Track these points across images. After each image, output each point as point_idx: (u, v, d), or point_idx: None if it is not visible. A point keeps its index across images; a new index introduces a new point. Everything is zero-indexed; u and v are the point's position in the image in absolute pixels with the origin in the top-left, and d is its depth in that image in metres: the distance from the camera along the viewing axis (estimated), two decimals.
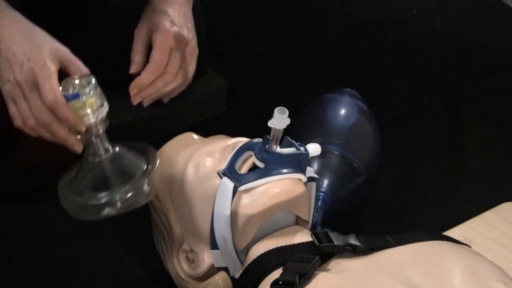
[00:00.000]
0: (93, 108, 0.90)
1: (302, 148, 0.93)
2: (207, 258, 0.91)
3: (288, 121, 0.88)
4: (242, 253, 0.89)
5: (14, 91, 0.91)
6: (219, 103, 1.31)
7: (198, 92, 1.26)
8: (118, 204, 0.87)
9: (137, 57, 1.07)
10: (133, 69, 1.07)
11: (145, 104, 1.06)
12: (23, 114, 0.91)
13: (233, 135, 1.00)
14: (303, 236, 0.89)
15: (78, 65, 0.92)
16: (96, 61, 1.16)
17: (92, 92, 0.90)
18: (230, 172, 0.89)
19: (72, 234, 1.09)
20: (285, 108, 0.89)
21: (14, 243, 1.08)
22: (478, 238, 1.08)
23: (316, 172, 0.98)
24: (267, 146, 0.90)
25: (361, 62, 1.50)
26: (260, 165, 0.90)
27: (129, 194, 0.87)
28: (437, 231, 1.00)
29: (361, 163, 1.10)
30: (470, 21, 1.64)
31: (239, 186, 0.87)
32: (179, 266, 0.94)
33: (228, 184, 0.88)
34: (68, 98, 0.89)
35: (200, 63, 1.25)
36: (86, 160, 0.93)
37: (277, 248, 0.86)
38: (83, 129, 0.90)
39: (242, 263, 0.89)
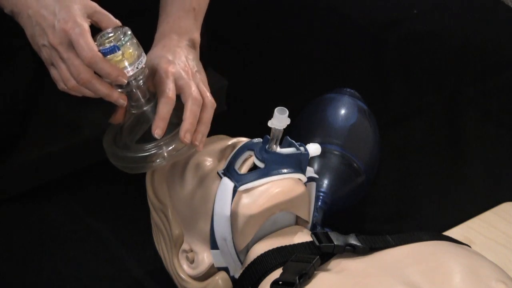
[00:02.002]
0: (131, 59, 0.88)
1: (302, 148, 0.93)
2: (207, 258, 0.91)
3: (288, 121, 0.88)
4: (242, 253, 0.89)
5: (51, 55, 0.88)
6: (219, 103, 1.31)
7: None
8: (166, 154, 0.88)
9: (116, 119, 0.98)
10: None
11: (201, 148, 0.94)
12: (63, 77, 0.89)
13: (233, 135, 1.00)
14: (303, 236, 0.89)
15: (109, 18, 0.90)
16: None
17: (129, 43, 0.88)
18: (230, 172, 0.89)
19: (72, 234, 1.09)
20: (285, 108, 0.89)
21: (14, 243, 1.08)
22: (478, 238, 1.08)
23: (316, 172, 0.98)
24: (267, 146, 0.90)
25: (361, 62, 1.50)
26: (260, 165, 0.90)
27: (175, 144, 0.88)
28: (437, 231, 1.00)
29: (361, 163, 1.10)
30: (470, 21, 1.63)
31: (239, 186, 0.87)
32: (179, 266, 0.94)
33: (228, 184, 0.88)
34: (105, 52, 0.87)
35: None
36: (129, 112, 0.92)
37: (277, 248, 0.86)
38: (125, 81, 0.88)
39: (242, 263, 0.89)
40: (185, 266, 0.93)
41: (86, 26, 0.87)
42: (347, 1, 1.67)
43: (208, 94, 0.95)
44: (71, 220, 1.11)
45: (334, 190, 1.07)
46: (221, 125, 1.19)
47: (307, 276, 0.78)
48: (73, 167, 1.16)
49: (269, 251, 0.85)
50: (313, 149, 0.94)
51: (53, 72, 0.91)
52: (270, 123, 0.89)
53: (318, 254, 0.81)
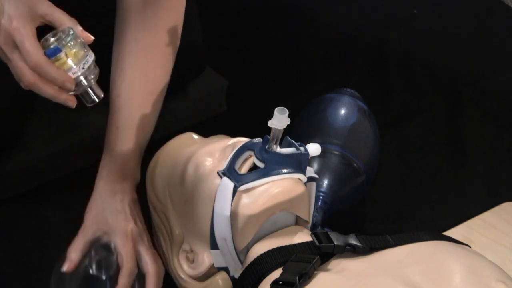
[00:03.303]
0: (76, 59, 0.86)
1: (302, 148, 0.93)
2: (207, 258, 0.91)
3: (288, 121, 0.88)
4: (242, 253, 0.89)
5: (1, 53, 0.87)
6: (219, 103, 1.31)
7: (198, 92, 1.26)
8: None
9: (73, 255, 0.98)
10: (65, 268, 0.97)
11: None
12: (16, 77, 0.88)
13: (233, 135, 1.00)
14: (303, 236, 0.89)
15: (63, 18, 0.87)
16: (97, 61, 1.16)
17: (72, 42, 0.86)
18: (230, 172, 0.89)
19: (72, 234, 1.09)
20: (285, 108, 0.89)
21: (14, 243, 1.08)
22: (478, 238, 1.08)
23: (316, 172, 0.98)
24: (267, 146, 0.90)
25: (361, 62, 1.50)
26: (260, 165, 0.90)
27: None
28: (437, 231, 1.00)
29: (361, 163, 1.10)
30: (470, 21, 1.63)
31: (239, 186, 0.87)
32: (179, 266, 0.94)
33: (228, 184, 0.88)
34: (48, 55, 0.85)
35: (198, 62, 1.25)
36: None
37: (277, 248, 0.86)
38: (73, 86, 0.87)
39: (242, 263, 0.89)
40: (185, 266, 0.93)
41: (30, 28, 0.85)
42: (347, 1, 1.67)
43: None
44: (71, 220, 1.10)
45: (334, 190, 1.07)
46: (221, 125, 1.20)
47: (307, 276, 0.78)
48: (73, 167, 1.16)
49: (269, 251, 0.85)
50: (313, 149, 0.94)
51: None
52: (270, 123, 0.89)
53: (318, 254, 0.81)
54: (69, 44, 0.86)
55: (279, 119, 0.88)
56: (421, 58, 1.51)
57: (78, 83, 0.88)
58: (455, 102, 1.40)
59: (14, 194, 1.12)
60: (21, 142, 1.12)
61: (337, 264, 0.81)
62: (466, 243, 0.88)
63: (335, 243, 0.82)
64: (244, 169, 0.91)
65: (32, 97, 1.13)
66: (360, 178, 1.10)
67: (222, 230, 0.88)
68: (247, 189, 0.88)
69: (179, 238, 0.94)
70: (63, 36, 0.86)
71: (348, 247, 0.82)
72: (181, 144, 1.01)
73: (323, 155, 1.02)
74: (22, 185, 1.13)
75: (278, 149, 0.90)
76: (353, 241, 0.83)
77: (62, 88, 0.87)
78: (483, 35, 1.59)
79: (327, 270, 0.81)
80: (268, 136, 0.90)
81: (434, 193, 1.22)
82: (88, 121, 1.16)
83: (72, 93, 0.89)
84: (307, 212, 0.93)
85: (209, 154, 0.94)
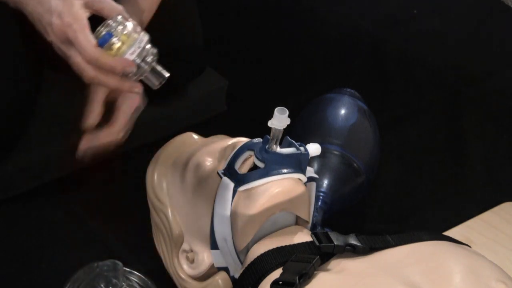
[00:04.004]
0: (129, 42, 0.86)
1: (302, 148, 0.93)
2: (207, 258, 0.91)
3: (288, 121, 0.88)
4: (242, 253, 0.89)
5: (59, 51, 0.86)
6: (219, 103, 1.31)
7: (198, 92, 1.26)
8: None
9: (92, 119, 0.98)
10: (86, 127, 0.98)
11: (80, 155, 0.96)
12: (76, 71, 0.87)
13: (233, 135, 1.00)
14: (303, 236, 0.89)
15: (110, 5, 0.86)
16: None
17: (121, 27, 0.85)
18: (230, 172, 0.89)
19: (72, 234, 1.09)
20: (285, 108, 0.89)
21: (14, 243, 1.08)
22: (478, 238, 1.08)
23: (316, 172, 0.98)
24: (267, 146, 0.90)
25: (361, 62, 1.50)
26: (260, 165, 0.90)
27: None
28: (437, 231, 1.00)
29: (361, 163, 1.10)
30: (470, 21, 1.63)
31: (239, 186, 0.87)
32: (179, 266, 0.94)
33: (228, 184, 0.88)
34: (100, 44, 0.85)
35: (198, 62, 1.25)
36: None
37: (277, 248, 0.86)
38: (134, 68, 0.86)
39: (242, 263, 0.89)
40: (185, 266, 0.93)
41: (82, 20, 0.84)
42: (347, 1, 1.67)
43: None
44: (71, 220, 1.11)
45: (334, 190, 1.07)
46: (221, 125, 1.20)
47: (307, 276, 0.78)
48: (73, 167, 1.16)
49: (269, 251, 0.85)
50: (313, 149, 0.94)
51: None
52: (270, 123, 0.89)
53: (318, 254, 0.81)
54: (118, 29, 0.86)
55: (279, 119, 0.88)
56: (421, 58, 1.51)
57: (138, 66, 0.87)
58: (455, 102, 1.40)
59: (14, 194, 1.12)
60: (21, 142, 1.11)
61: (337, 264, 0.81)
62: (466, 243, 0.88)
63: (335, 243, 0.82)
64: (244, 169, 0.91)
65: (32, 97, 1.14)
66: (360, 178, 1.10)
67: (222, 230, 0.88)
68: (247, 189, 0.88)
69: (179, 238, 0.94)
70: (112, 23, 0.86)
71: (348, 247, 0.82)
72: (181, 144, 1.01)
73: (323, 155, 1.02)
74: (22, 185, 1.13)
75: (278, 149, 0.91)
76: (353, 241, 0.83)
77: (124, 74, 0.85)
78: (483, 35, 1.59)
79: (327, 270, 0.81)
80: (268, 136, 0.90)
81: (434, 193, 1.22)
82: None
83: (134, 78, 0.88)
84: (307, 212, 0.93)
85: (209, 154, 0.94)
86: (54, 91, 1.18)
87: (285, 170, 0.89)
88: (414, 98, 1.42)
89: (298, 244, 0.86)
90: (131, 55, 0.86)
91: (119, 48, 0.85)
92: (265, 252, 0.86)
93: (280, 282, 0.77)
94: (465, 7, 1.67)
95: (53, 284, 0.96)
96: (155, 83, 0.90)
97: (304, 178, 0.92)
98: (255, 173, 0.89)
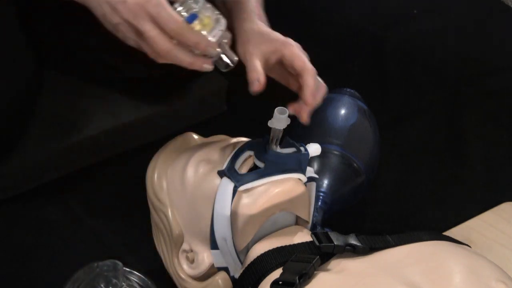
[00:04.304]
0: (211, 24, 0.85)
1: (302, 148, 0.93)
2: (207, 258, 0.91)
3: (288, 121, 0.88)
4: (242, 253, 0.89)
5: (128, 31, 0.86)
6: (219, 103, 1.31)
7: (198, 92, 1.26)
8: None
9: (262, 78, 0.97)
10: (256, 87, 0.96)
11: (308, 120, 0.95)
12: (147, 52, 0.86)
13: (233, 135, 1.00)
14: (303, 236, 0.89)
15: None
16: (96, 62, 1.16)
17: (204, 8, 0.85)
18: (230, 172, 0.89)
19: (72, 234, 1.09)
20: (285, 108, 0.89)
21: (14, 243, 1.08)
22: (478, 238, 1.08)
23: (316, 172, 0.98)
24: (267, 146, 0.90)
25: (361, 62, 1.49)
26: (260, 165, 0.90)
27: None
28: (437, 231, 1.00)
29: (361, 163, 1.10)
30: (470, 20, 1.63)
31: (239, 186, 0.87)
32: (179, 266, 0.94)
33: (228, 184, 0.88)
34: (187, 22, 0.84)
35: None
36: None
37: (277, 248, 0.86)
38: (215, 50, 0.86)
39: (242, 263, 0.89)
40: (185, 266, 0.93)
41: None
42: (347, 1, 1.67)
43: None
44: (71, 220, 1.10)
45: (334, 190, 1.07)
46: (221, 125, 1.20)
47: (307, 276, 0.78)
48: (73, 167, 1.16)
49: (269, 251, 0.86)
50: (313, 149, 0.94)
51: (136, 46, 0.88)
52: (270, 123, 0.89)
53: (318, 254, 0.81)
54: (203, 10, 0.85)
55: (279, 119, 0.88)
56: (421, 58, 1.51)
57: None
58: (455, 102, 1.40)
59: (14, 194, 1.12)
60: (21, 142, 1.11)
61: (337, 264, 0.81)
62: (466, 243, 0.88)
63: (335, 243, 0.82)
64: (244, 169, 0.91)
65: (32, 97, 1.14)
66: (360, 178, 1.10)
67: (222, 230, 0.88)
68: (247, 189, 0.88)
69: (179, 238, 0.94)
70: (193, 4, 0.85)
71: (348, 247, 0.82)
72: (181, 144, 1.01)
73: (323, 155, 1.02)
74: (22, 185, 1.13)
75: (278, 149, 0.91)
76: (353, 241, 0.83)
77: (204, 52, 0.86)
78: (483, 35, 1.59)
79: (327, 270, 0.81)
80: (268, 136, 0.90)
81: (434, 193, 1.22)
82: (88, 121, 1.16)
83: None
84: (307, 212, 0.93)
85: (209, 154, 0.94)
86: (54, 91, 1.18)
87: (285, 170, 0.89)
88: (414, 98, 1.41)
89: (298, 244, 0.86)
90: (213, 37, 0.86)
91: (201, 29, 0.85)
92: (265, 252, 0.86)
93: (280, 282, 0.78)
94: (465, 7, 1.67)
95: (53, 284, 0.96)
96: (222, 67, 0.90)
97: (304, 178, 0.92)
98: (255, 173, 0.89)
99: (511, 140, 1.33)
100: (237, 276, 0.89)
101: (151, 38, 0.84)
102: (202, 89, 1.26)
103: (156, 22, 0.84)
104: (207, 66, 0.88)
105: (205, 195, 0.90)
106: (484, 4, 1.68)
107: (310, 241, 0.86)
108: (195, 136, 1.04)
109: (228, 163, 0.90)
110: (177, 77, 1.17)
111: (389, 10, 1.65)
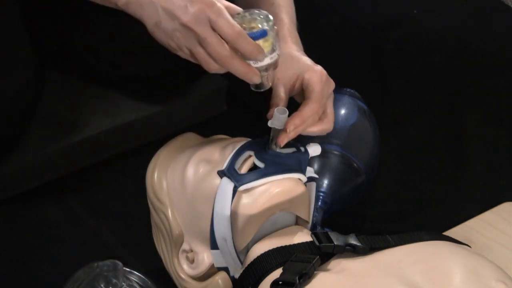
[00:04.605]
0: (270, 47, 0.86)
1: (302, 148, 0.93)
2: (207, 258, 0.91)
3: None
4: (242, 253, 0.89)
5: (184, 37, 0.85)
6: (219, 103, 1.31)
7: (198, 92, 1.26)
8: None
9: (282, 104, 0.96)
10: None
11: (283, 144, 0.93)
12: (202, 60, 0.86)
13: (233, 135, 1.00)
14: (303, 236, 0.89)
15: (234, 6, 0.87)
16: (97, 61, 1.16)
17: (272, 29, 0.85)
18: (230, 172, 0.89)
19: (72, 234, 1.09)
20: (285, 108, 0.89)
21: (14, 243, 1.08)
22: (478, 238, 1.08)
23: (316, 172, 0.98)
24: (267, 146, 0.90)
25: (361, 62, 1.49)
26: (260, 165, 0.90)
27: None
28: (437, 231, 1.00)
29: (361, 163, 1.10)
30: (470, 21, 1.63)
31: (239, 186, 0.87)
32: (179, 266, 0.94)
33: (228, 184, 0.88)
34: (254, 37, 0.84)
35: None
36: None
37: (277, 248, 0.86)
38: (264, 68, 0.86)
39: (242, 263, 0.89)
40: (185, 266, 0.93)
41: (224, 2, 0.85)
42: (347, 1, 1.67)
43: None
44: (71, 220, 1.11)
45: (334, 190, 1.07)
46: (221, 125, 1.20)
47: (307, 276, 0.78)
48: (73, 167, 1.16)
49: (269, 251, 0.86)
50: (313, 149, 0.94)
51: (187, 54, 0.88)
52: (270, 123, 0.90)
53: (318, 254, 0.81)
54: (271, 31, 0.85)
55: (279, 119, 0.88)
56: (421, 58, 1.51)
57: (259, 69, 0.87)
58: (455, 102, 1.40)
59: (14, 194, 1.12)
60: (21, 142, 1.12)
61: (337, 264, 0.81)
62: (466, 243, 0.88)
63: (335, 243, 0.82)
64: (244, 169, 0.91)
65: (32, 97, 1.14)
66: (360, 178, 1.10)
67: (222, 230, 0.88)
68: (247, 189, 0.88)
69: (179, 238, 0.94)
70: (264, 21, 0.85)
71: (348, 247, 0.82)
72: (181, 144, 1.01)
73: (323, 155, 1.02)
74: (22, 185, 1.13)
75: (278, 149, 0.91)
76: (353, 241, 0.83)
77: (254, 59, 0.86)
78: (483, 35, 1.59)
79: (327, 270, 0.81)
80: (268, 136, 0.90)
81: (434, 193, 1.22)
82: (88, 121, 1.16)
83: None
84: (307, 212, 0.93)
85: (209, 154, 0.94)
86: (54, 91, 1.18)
87: (285, 170, 0.89)
88: (414, 98, 1.41)
89: (298, 244, 0.86)
90: (270, 59, 0.86)
91: (265, 48, 0.85)
92: (265, 252, 0.86)
93: (280, 282, 0.78)
94: (465, 7, 1.67)
95: (53, 284, 0.96)
96: (255, 87, 0.90)
97: (304, 178, 0.92)
98: (255, 173, 0.89)
99: (511, 140, 1.33)
100: (237, 276, 0.89)
101: (212, 44, 0.84)
102: (202, 89, 1.26)
103: (214, 28, 0.84)
104: (256, 79, 0.88)
105: (205, 195, 0.90)
106: (484, 4, 1.67)
107: (310, 241, 0.86)
108: (195, 136, 1.04)
109: (228, 163, 0.90)
110: (177, 77, 1.17)
111: (389, 10, 1.65)
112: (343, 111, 1.15)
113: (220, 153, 0.94)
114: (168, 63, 1.10)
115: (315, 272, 0.79)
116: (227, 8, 0.86)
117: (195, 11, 0.83)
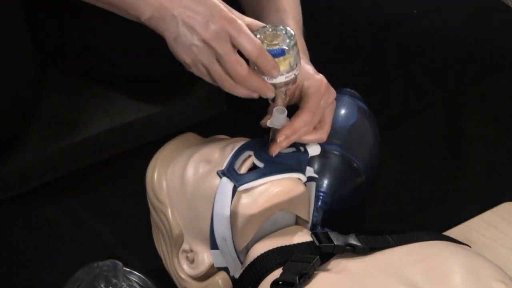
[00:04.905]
0: (289, 66, 0.85)
1: (301, 148, 0.93)
2: (207, 258, 0.91)
3: (287, 121, 0.88)
4: (242, 253, 0.90)
5: (202, 53, 0.86)
6: (219, 103, 1.31)
7: (198, 92, 1.26)
8: None
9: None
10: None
11: (274, 153, 0.92)
12: (218, 77, 0.87)
13: (233, 135, 1.00)
14: (303, 236, 0.89)
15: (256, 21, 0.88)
16: (97, 60, 1.16)
17: (292, 48, 0.85)
18: (229, 172, 0.89)
19: (72, 234, 1.09)
20: (285, 108, 0.89)
21: (14, 243, 1.08)
22: (478, 238, 1.08)
23: (316, 172, 0.98)
24: (266, 146, 0.90)
25: (361, 62, 1.49)
26: (260, 165, 0.90)
27: None
28: (437, 231, 1.00)
29: (361, 163, 1.10)
30: (470, 21, 1.63)
31: (239, 186, 0.87)
32: (179, 266, 0.94)
33: (227, 184, 0.88)
34: (273, 55, 0.84)
35: None
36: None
37: (277, 248, 0.86)
38: (281, 87, 0.86)
39: (242, 263, 0.89)
40: (185, 266, 0.93)
41: (245, 19, 0.85)
42: (347, 1, 1.67)
43: None
44: (71, 220, 1.11)
45: (334, 190, 1.07)
46: (221, 125, 1.20)
47: (307, 276, 0.78)
48: (73, 167, 1.16)
49: (269, 251, 0.86)
50: (313, 149, 0.94)
51: (204, 75, 0.88)
52: (269, 123, 0.90)
53: (318, 254, 0.81)
54: (291, 50, 0.85)
55: (279, 119, 0.88)
56: (421, 58, 1.51)
57: (275, 86, 0.87)
58: (455, 102, 1.40)
59: (14, 194, 1.12)
60: (21, 142, 1.12)
61: (337, 264, 0.81)
62: (466, 243, 0.88)
63: (335, 243, 0.82)
64: (243, 169, 0.91)
65: (32, 97, 1.14)
66: (360, 178, 1.10)
67: (222, 230, 0.88)
68: (246, 189, 0.88)
69: (179, 238, 0.94)
70: (287, 39, 0.85)
71: (348, 247, 0.82)
72: (181, 144, 1.01)
73: (323, 155, 1.02)
74: (22, 185, 1.13)
75: None
76: (353, 241, 0.83)
77: (269, 76, 0.86)
78: (483, 35, 1.59)
79: (327, 270, 0.81)
80: (267, 136, 0.90)
81: (434, 193, 1.22)
82: (88, 121, 1.16)
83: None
84: (307, 212, 0.93)
85: (208, 155, 0.94)
86: (54, 91, 1.18)
87: (284, 170, 0.89)
88: (414, 98, 1.41)
89: (298, 244, 0.86)
90: (285, 78, 0.86)
91: (281, 65, 0.85)
92: (265, 252, 0.86)
93: (280, 282, 0.78)
94: (465, 7, 1.67)
95: (53, 284, 0.96)
96: (271, 99, 0.90)
97: (303, 178, 0.92)
98: (254, 173, 0.89)
99: (511, 140, 1.33)
100: (237, 276, 0.89)
101: (230, 61, 0.84)
102: (202, 89, 1.26)
103: (235, 44, 0.84)
104: (270, 94, 0.88)
105: (204, 195, 0.90)
106: (484, 4, 1.67)
107: (310, 241, 0.86)
108: (195, 136, 1.04)
109: (227, 163, 0.90)
110: (177, 77, 1.17)
111: (389, 10, 1.65)
112: (343, 111, 1.15)
113: (219, 153, 0.94)
114: (168, 63, 1.10)
115: (315, 272, 0.79)
116: (248, 25, 0.86)
117: (216, 28, 0.84)
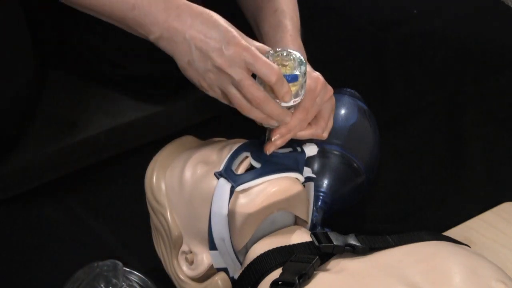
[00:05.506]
0: (296, 91, 0.86)
1: (298, 148, 0.93)
2: (206, 259, 0.91)
3: None
4: (241, 253, 0.90)
5: (217, 78, 0.86)
6: (219, 103, 1.31)
7: (198, 93, 1.26)
8: None
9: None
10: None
11: (269, 152, 0.92)
12: (236, 102, 0.87)
13: (232, 135, 1.00)
14: (303, 236, 0.89)
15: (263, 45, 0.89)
16: (97, 60, 1.16)
17: (303, 76, 0.86)
18: (227, 173, 0.89)
19: (72, 234, 1.09)
20: None
21: (14, 243, 1.08)
22: (478, 238, 1.08)
23: (316, 172, 0.98)
24: (263, 146, 0.90)
25: (361, 62, 1.49)
26: (257, 165, 0.90)
27: None
28: (437, 231, 1.00)
29: (361, 163, 1.10)
30: (470, 21, 1.63)
31: (236, 186, 0.87)
32: (179, 268, 0.94)
33: (225, 184, 0.88)
34: (288, 80, 0.85)
35: None
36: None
37: (277, 248, 0.86)
38: (287, 105, 0.86)
39: (241, 263, 0.89)
40: (185, 267, 0.93)
41: (260, 47, 0.86)
42: (347, 1, 1.67)
43: None
44: (71, 220, 1.11)
45: (334, 190, 1.07)
46: (220, 126, 1.20)
47: (307, 276, 0.78)
48: (73, 167, 1.16)
49: (268, 251, 0.86)
50: (310, 148, 0.94)
51: (217, 93, 0.88)
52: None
53: (317, 254, 0.81)
54: (303, 76, 0.86)
55: None
56: (421, 58, 1.51)
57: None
58: (455, 102, 1.40)
59: (14, 194, 1.12)
60: (21, 142, 1.12)
61: (336, 264, 0.81)
62: (466, 243, 0.88)
63: (335, 243, 0.82)
64: (241, 170, 0.91)
65: (32, 97, 1.14)
66: (360, 178, 1.10)
67: (220, 230, 0.88)
68: (244, 189, 0.88)
69: (178, 240, 0.94)
70: (296, 63, 0.86)
71: (347, 247, 0.82)
72: (179, 147, 1.01)
73: (323, 155, 1.02)
74: (22, 185, 1.13)
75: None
76: (352, 241, 0.83)
77: (282, 101, 0.86)
78: (483, 35, 1.59)
79: (326, 270, 0.81)
80: (264, 136, 0.90)
81: (434, 193, 1.22)
82: (88, 121, 1.16)
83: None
84: (306, 212, 0.93)
85: (206, 156, 0.94)
86: (54, 91, 1.18)
87: (282, 170, 0.89)
88: (414, 98, 1.41)
89: (298, 244, 0.86)
90: (293, 102, 0.87)
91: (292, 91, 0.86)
92: (264, 252, 0.86)
93: (280, 282, 0.78)
94: (465, 7, 1.67)
95: (53, 284, 0.96)
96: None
97: (301, 178, 0.92)
98: (251, 173, 0.89)
99: (511, 140, 1.33)
100: (236, 276, 0.89)
101: (247, 86, 0.84)
102: None
103: (250, 70, 0.84)
104: (288, 119, 0.88)
105: (202, 196, 0.90)
106: (484, 4, 1.67)
107: (310, 241, 0.86)
108: (193, 139, 1.04)
109: (225, 164, 0.90)
110: (177, 77, 1.17)
111: (389, 10, 1.65)
112: (343, 111, 1.15)
113: (217, 154, 0.94)
114: (168, 63, 1.10)
115: (314, 272, 0.79)
116: (258, 48, 0.86)
117: (231, 54, 0.83)
